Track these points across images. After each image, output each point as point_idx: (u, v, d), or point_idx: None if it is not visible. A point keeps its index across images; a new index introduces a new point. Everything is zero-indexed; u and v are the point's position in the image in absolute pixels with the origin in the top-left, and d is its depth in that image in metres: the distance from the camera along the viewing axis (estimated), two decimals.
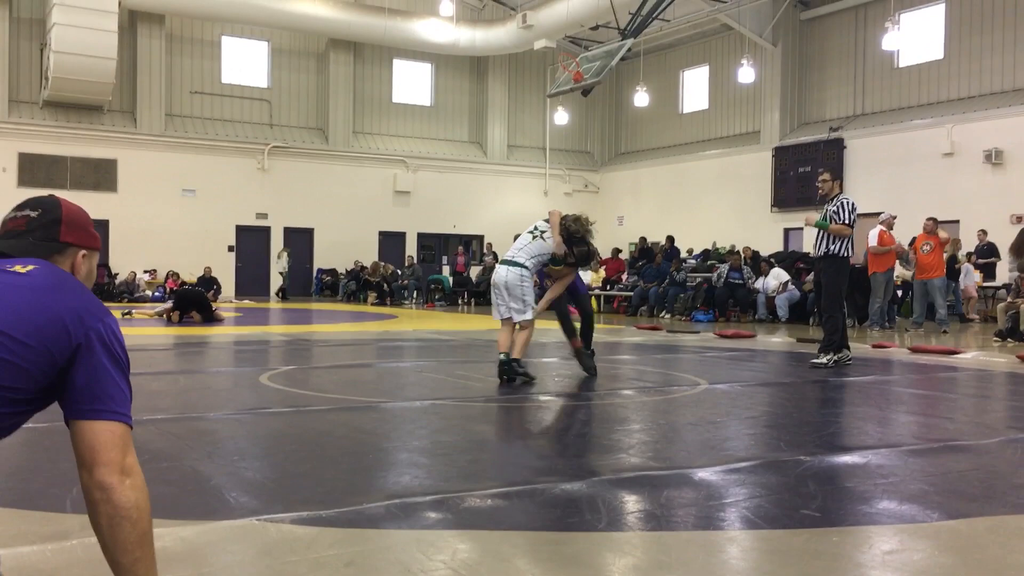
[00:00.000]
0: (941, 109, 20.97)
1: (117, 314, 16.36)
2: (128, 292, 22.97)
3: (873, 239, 14.65)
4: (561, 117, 28.33)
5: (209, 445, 4.63)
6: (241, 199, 25.87)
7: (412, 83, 29.02)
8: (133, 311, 16.27)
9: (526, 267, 7.29)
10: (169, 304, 15.38)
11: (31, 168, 23.36)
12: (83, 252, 2.05)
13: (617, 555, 2.94)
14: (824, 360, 8.68)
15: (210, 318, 14.51)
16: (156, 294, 22.82)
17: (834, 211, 8.76)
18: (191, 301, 14.79)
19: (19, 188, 23.01)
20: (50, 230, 2.00)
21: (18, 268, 1.87)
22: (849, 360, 8.88)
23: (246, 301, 23.17)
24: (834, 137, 22.79)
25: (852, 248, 8.96)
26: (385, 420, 5.65)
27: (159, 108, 24.99)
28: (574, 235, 7.33)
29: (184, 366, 9.14)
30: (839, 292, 8.94)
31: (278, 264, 26.12)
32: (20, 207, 2.05)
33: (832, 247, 8.77)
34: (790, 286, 17.01)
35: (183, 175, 25.09)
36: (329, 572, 2.63)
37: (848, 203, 8.80)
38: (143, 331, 12.96)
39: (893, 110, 22.21)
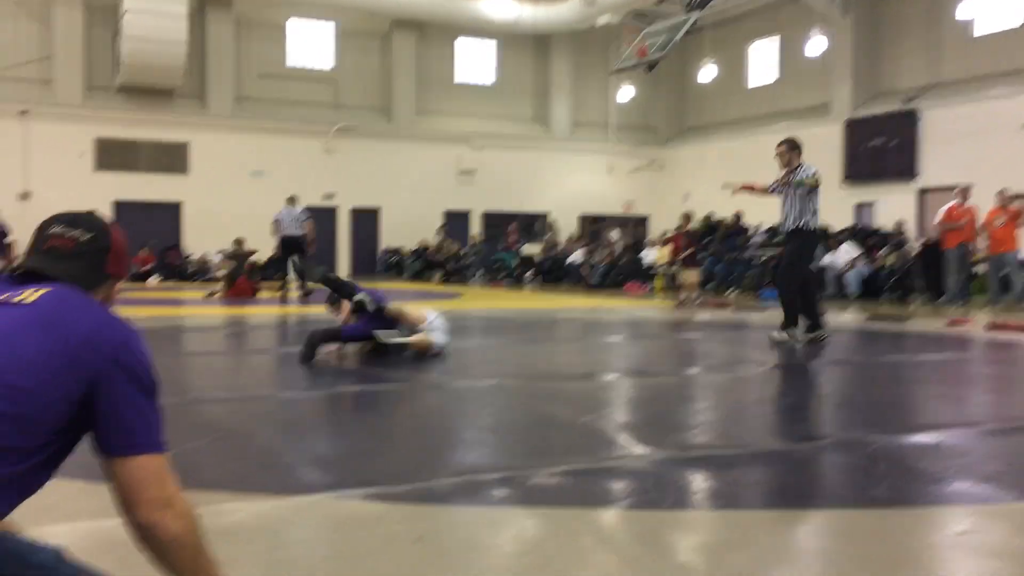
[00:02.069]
0: (1021, 78, 20.24)
1: (201, 294, 16.65)
2: (202, 273, 23.50)
3: (941, 215, 14.33)
4: (626, 93, 28.01)
5: (281, 423, 4.74)
6: (308, 180, 26.17)
7: (475, 62, 29.01)
8: (216, 292, 16.43)
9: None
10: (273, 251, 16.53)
11: (107, 152, 23.97)
12: (119, 284, 1.93)
13: (685, 533, 2.94)
14: (780, 337, 8.20)
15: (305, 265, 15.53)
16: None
17: (799, 179, 8.37)
18: (293, 246, 15.85)
19: (96, 172, 23.68)
20: (99, 258, 1.86)
21: (26, 296, 1.72)
22: (824, 338, 8.26)
23: None
24: (908, 108, 22.17)
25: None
26: (452, 398, 5.71)
27: (228, 91, 25.39)
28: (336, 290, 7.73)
29: (257, 345, 9.34)
30: (799, 266, 8.39)
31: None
32: (69, 224, 1.86)
33: (802, 220, 8.29)
34: (861, 262, 16.66)
35: (252, 157, 25.49)
36: (398, 547, 2.68)
37: (812, 168, 8.49)
38: (218, 311, 13.25)
39: (969, 80, 21.48)
